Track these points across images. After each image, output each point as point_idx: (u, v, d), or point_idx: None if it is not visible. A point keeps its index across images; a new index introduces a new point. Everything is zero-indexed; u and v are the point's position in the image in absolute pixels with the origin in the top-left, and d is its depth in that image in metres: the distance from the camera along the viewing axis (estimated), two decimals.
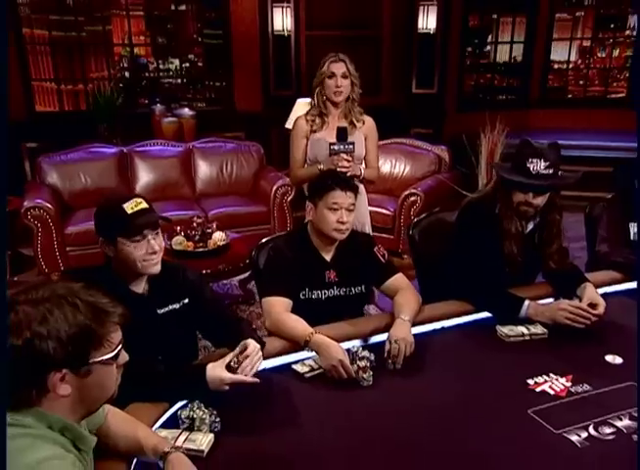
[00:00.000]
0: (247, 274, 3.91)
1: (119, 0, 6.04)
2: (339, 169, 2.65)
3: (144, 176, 4.99)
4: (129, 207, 1.81)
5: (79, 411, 1.19)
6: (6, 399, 1.12)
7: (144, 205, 1.83)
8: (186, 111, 5.88)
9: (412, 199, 4.54)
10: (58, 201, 4.53)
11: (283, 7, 5.83)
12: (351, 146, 2.79)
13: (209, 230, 3.74)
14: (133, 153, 5.05)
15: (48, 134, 5.38)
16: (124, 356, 1.23)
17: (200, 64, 6.54)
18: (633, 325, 2.14)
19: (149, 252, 1.81)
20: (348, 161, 2.73)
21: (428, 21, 5.90)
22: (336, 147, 2.77)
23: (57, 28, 5.74)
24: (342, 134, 2.82)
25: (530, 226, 2.32)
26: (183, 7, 6.28)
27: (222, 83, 6.42)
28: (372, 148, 3.05)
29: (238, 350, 1.73)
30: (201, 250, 3.62)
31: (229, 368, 1.69)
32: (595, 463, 1.50)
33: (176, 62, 6.43)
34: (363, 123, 2.98)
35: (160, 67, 6.39)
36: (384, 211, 4.59)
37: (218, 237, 3.71)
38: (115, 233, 1.80)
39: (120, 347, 1.21)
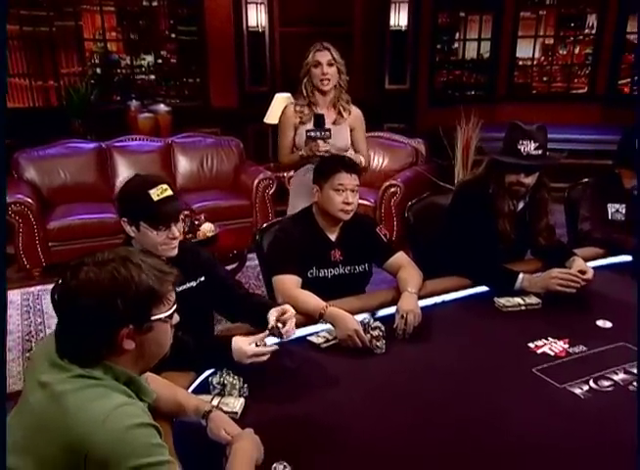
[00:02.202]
0: (235, 265, 4.01)
1: None
2: (317, 154, 2.75)
3: (124, 171, 4.99)
4: (155, 193, 1.85)
5: (139, 366, 1.27)
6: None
7: (169, 192, 1.88)
8: (162, 107, 5.92)
9: (392, 190, 4.69)
10: (37, 196, 4.52)
11: (257, 3, 5.93)
12: (328, 132, 2.80)
13: (197, 222, 3.82)
14: (112, 148, 5.06)
15: (19, 131, 5.33)
16: (176, 317, 1.32)
17: (173, 60, 6.57)
18: (618, 294, 2.35)
19: (169, 237, 1.88)
20: (324, 146, 2.78)
21: (399, 18, 6.07)
22: (312, 133, 2.80)
23: (27, 23, 5.69)
24: (319, 121, 2.84)
25: (521, 205, 2.48)
26: (155, 3, 6.30)
27: (196, 80, 6.47)
28: (360, 137, 3.08)
29: (276, 314, 1.84)
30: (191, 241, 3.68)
31: (272, 331, 1.80)
32: (598, 411, 1.64)
33: (149, 58, 6.44)
34: (349, 114, 3.00)
35: (133, 63, 6.39)
36: (365, 202, 4.71)
37: (207, 228, 3.78)
38: (140, 218, 1.86)
39: (175, 306, 1.30)
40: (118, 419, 1.11)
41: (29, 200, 4.30)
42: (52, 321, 3.74)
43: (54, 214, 4.51)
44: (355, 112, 3.05)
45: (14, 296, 4.09)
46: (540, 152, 2.30)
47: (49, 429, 1.13)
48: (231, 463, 1.33)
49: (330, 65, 2.90)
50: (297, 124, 2.99)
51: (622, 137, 2.85)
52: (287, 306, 1.90)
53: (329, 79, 2.91)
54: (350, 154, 2.94)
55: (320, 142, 2.78)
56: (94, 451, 1.08)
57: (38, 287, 4.24)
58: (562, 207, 3.10)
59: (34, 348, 1.35)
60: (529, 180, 2.35)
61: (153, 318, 1.24)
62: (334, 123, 2.93)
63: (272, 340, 1.87)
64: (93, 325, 1.18)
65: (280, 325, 1.81)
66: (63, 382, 1.17)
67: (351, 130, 3.03)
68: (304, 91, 2.99)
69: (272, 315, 1.86)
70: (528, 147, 2.28)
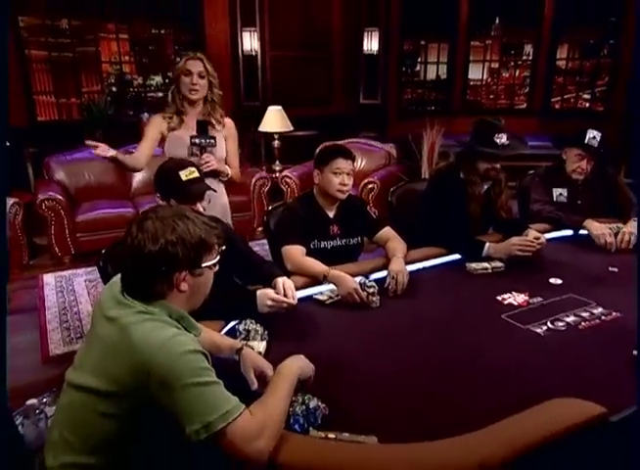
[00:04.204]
0: None
1: (107, 25, 6.01)
2: (203, 168, 2.33)
3: (139, 173, 4.93)
4: (184, 174, 1.90)
5: (189, 305, 1.31)
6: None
7: (196, 174, 1.93)
8: None
9: (370, 186, 4.76)
10: (66, 194, 4.48)
11: (251, 31, 5.93)
12: (212, 140, 2.45)
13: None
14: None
15: (48, 140, 5.29)
16: (217, 266, 1.35)
17: None
18: (565, 259, 2.45)
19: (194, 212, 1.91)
20: (208, 156, 2.44)
21: (372, 44, 6.13)
22: (197, 140, 2.43)
23: (54, 49, 5.63)
24: (203, 128, 2.47)
25: (485, 187, 2.54)
26: (163, 31, 6.27)
27: None
28: (232, 149, 2.65)
29: (279, 286, 1.87)
30: None
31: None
32: (556, 345, 1.72)
33: (157, 78, 6.39)
34: (223, 126, 2.60)
35: (144, 82, 6.36)
36: None
37: None
38: (170, 195, 1.89)
39: (219, 257, 1.34)
40: (174, 345, 1.15)
41: (60, 197, 4.27)
42: (82, 299, 3.72)
43: (80, 210, 4.48)
44: (230, 123, 2.65)
45: (49, 279, 4.06)
46: (509, 142, 2.37)
47: (118, 353, 1.16)
48: (273, 378, 1.34)
49: (201, 76, 2.49)
50: (165, 130, 2.55)
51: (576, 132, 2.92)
52: (280, 284, 1.88)
53: (197, 90, 2.49)
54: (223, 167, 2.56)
55: (205, 154, 2.43)
56: (155, 370, 1.11)
57: (69, 271, 4.21)
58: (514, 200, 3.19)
59: (101, 292, 1.37)
60: (499, 165, 2.42)
61: (203, 265, 1.28)
62: None
63: None
64: (155, 268, 1.21)
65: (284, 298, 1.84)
66: (127, 316, 1.20)
67: (225, 140, 2.61)
68: (171, 98, 2.56)
69: (277, 286, 1.87)
70: (503, 139, 2.35)
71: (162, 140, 2.59)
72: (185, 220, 1.24)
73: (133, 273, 1.24)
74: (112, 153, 2.35)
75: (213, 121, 2.55)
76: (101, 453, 1.19)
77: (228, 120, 2.64)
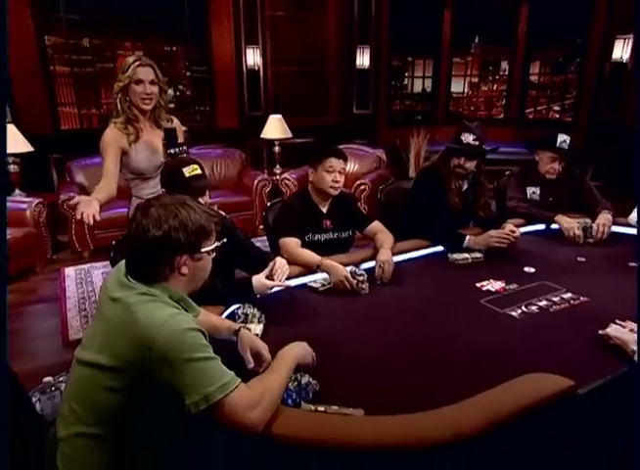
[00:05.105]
0: None
1: (124, 43, 5.97)
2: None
3: None
4: (187, 171, 1.84)
5: (189, 288, 1.27)
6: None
7: (198, 171, 1.86)
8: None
9: (362, 187, 4.73)
10: (86, 195, 4.42)
11: (254, 48, 5.88)
12: (185, 147, 2.23)
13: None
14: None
15: (70, 146, 5.23)
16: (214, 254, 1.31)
17: (188, 93, 6.48)
18: (537, 250, 2.41)
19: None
20: None
21: (363, 59, 6.08)
22: (172, 150, 2.18)
23: (76, 65, 5.59)
24: (171, 136, 2.20)
25: (465, 186, 2.51)
26: (174, 48, 6.23)
27: (206, 107, 6.40)
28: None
29: (271, 265, 1.84)
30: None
31: (267, 277, 1.79)
32: (530, 327, 1.69)
33: (169, 91, 6.32)
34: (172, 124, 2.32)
35: None
36: None
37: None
38: (174, 190, 1.82)
39: (217, 243, 1.30)
40: (175, 323, 1.12)
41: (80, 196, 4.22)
42: (99, 290, 3.67)
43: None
44: (177, 121, 2.37)
45: (70, 271, 4.02)
46: (477, 143, 2.34)
47: (122, 330, 1.13)
48: (273, 361, 1.31)
49: (153, 83, 2.16)
50: (126, 144, 2.19)
51: (545, 134, 2.88)
52: (279, 262, 1.85)
53: (151, 98, 2.18)
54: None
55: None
56: (156, 346, 1.08)
57: (87, 265, 4.17)
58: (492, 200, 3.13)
59: (106, 278, 1.33)
60: (468, 165, 2.39)
61: (203, 250, 1.24)
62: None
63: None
64: (159, 252, 1.18)
65: (274, 271, 1.81)
66: (131, 296, 1.17)
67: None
68: (120, 107, 2.18)
69: (269, 267, 1.84)
70: (468, 138, 2.32)
71: (123, 154, 2.24)
72: (186, 208, 1.21)
73: (137, 256, 1.20)
74: (94, 208, 1.95)
75: (162, 123, 2.27)
76: (104, 424, 1.16)
77: (175, 119, 2.36)
